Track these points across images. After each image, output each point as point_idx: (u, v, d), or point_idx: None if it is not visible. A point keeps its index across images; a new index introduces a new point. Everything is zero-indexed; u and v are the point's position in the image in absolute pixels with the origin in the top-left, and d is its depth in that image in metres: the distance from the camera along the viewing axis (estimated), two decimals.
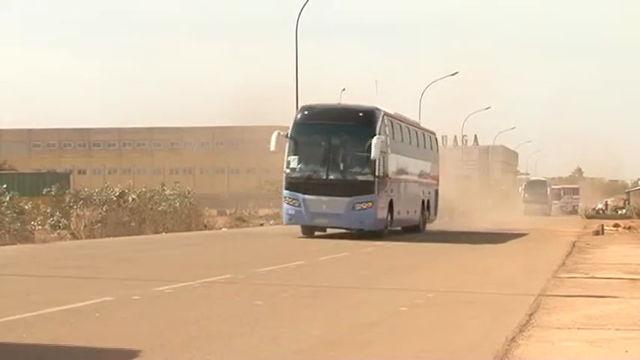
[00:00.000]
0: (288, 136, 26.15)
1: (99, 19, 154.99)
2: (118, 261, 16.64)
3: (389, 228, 26.62)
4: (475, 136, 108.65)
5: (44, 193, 30.10)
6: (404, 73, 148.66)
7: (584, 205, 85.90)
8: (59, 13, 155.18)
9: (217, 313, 9.79)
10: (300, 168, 25.71)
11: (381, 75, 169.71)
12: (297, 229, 26.25)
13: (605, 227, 34.21)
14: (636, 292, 12.37)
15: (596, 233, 31.68)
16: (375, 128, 25.44)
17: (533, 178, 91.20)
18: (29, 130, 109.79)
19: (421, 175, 31.63)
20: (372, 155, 24.72)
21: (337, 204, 25.02)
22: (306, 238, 25.41)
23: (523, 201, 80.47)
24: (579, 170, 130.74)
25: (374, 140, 24.82)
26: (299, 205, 25.25)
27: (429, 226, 32.42)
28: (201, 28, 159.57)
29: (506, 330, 8.72)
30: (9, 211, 25.19)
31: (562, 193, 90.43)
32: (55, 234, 26.72)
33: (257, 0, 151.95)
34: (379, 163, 25.32)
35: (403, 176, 28.74)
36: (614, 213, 70.28)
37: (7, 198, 25.79)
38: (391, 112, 28.35)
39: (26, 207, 26.90)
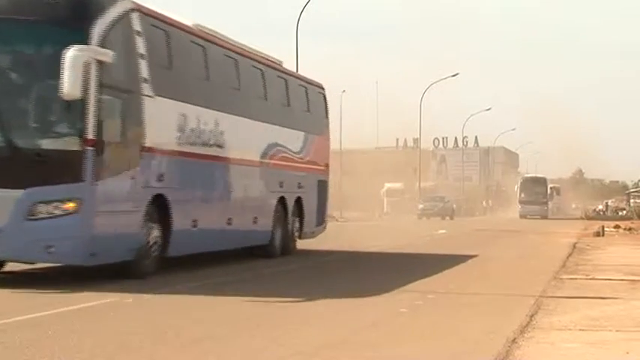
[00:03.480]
0: None
1: None
2: None
3: (155, 254, 13.44)
4: (476, 137, 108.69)
5: None
6: (404, 74, 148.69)
7: (564, 206, 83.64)
8: None
9: None
10: None
11: (381, 75, 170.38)
12: None
13: (606, 228, 34.18)
14: (637, 294, 12.37)
15: (597, 234, 31.65)
16: (90, 30, 12.09)
17: (530, 175, 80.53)
18: None
19: (280, 153, 18.57)
20: (67, 91, 11.55)
21: None
22: None
23: (519, 201, 70.93)
24: (580, 171, 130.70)
25: (76, 53, 11.63)
26: None
27: (309, 243, 20.45)
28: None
29: (507, 331, 8.72)
30: None
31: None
32: None
33: (257, 0, 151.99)
34: (101, 109, 11.99)
35: (211, 150, 15.47)
36: (614, 214, 70.28)
37: None
38: (163, 13, 14.44)
39: None
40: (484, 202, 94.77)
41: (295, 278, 14.74)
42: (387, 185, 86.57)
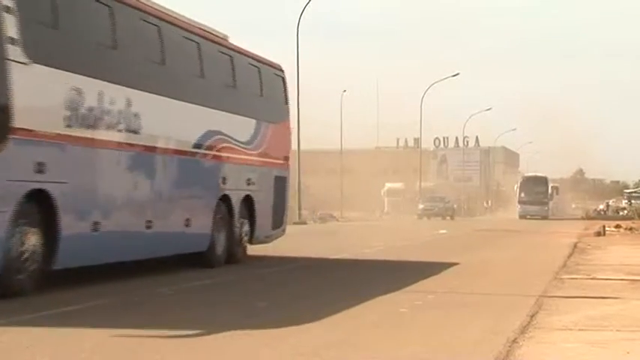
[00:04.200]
0: None
1: None
2: None
3: (34, 267, 10.81)
4: (476, 137, 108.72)
5: None
6: (404, 74, 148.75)
7: (564, 206, 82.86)
8: None
9: None
10: None
11: (382, 75, 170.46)
12: None
13: (607, 228, 34.18)
14: (637, 293, 12.36)
15: (598, 234, 31.64)
16: None
17: (530, 174, 77.25)
18: None
19: (222, 143, 15.93)
20: None
21: None
22: None
23: (518, 201, 68.49)
24: (581, 171, 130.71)
25: None
26: None
27: (262, 249, 18.00)
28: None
29: (508, 331, 8.71)
30: None
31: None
32: None
33: (257, 0, 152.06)
34: None
35: (121, 135, 12.88)
36: (615, 214, 70.27)
37: None
38: None
39: None
40: (484, 203, 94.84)
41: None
42: (388, 185, 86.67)
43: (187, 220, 14.55)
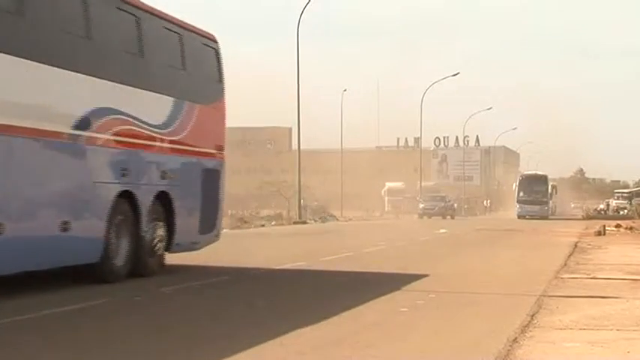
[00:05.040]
0: None
1: None
2: None
3: None
4: (477, 136, 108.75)
5: None
6: (405, 73, 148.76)
7: (563, 205, 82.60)
8: None
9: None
10: None
11: (382, 74, 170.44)
12: None
13: (607, 227, 34.17)
14: (638, 293, 12.36)
15: (598, 234, 31.62)
16: None
17: (529, 172, 73.09)
18: None
19: (122, 125, 12.81)
20: None
21: None
22: None
23: (517, 201, 64.53)
24: (581, 171, 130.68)
25: None
26: None
27: (189, 256, 15.23)
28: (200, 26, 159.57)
29: (508, 330, 8.72)
30: None
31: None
32: None
33: (258, 0, 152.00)
34: None
35: None
36: (615, 213, 70.26)
37: None
38: None
39: None
40: (485, 202, 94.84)
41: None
42: (388, 184, 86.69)
43: (64, 223, 11.33)
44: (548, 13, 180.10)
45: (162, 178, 13.88)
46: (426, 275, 14.74)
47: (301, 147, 47.37)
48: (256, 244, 18.25)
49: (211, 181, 15.44)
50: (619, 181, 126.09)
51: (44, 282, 11.94)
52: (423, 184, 78.62)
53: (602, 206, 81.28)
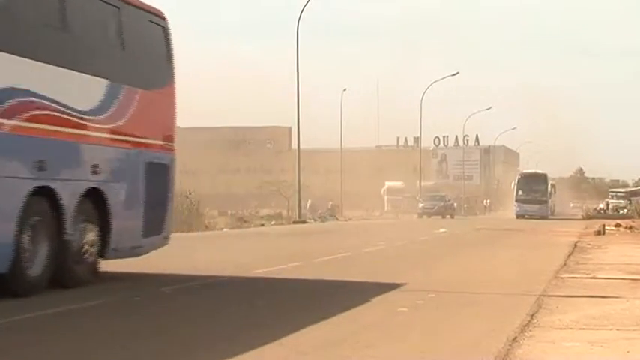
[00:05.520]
0: None
1: None
2: None
3: None
4: (477, 136, 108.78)
5: None
6: (405, 73, 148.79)
7: (561, 205, 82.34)
8: None
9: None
10: None
11: (381, 75, 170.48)
12: None
13: (607, 227, 34.17)
14: (638, 292, 12.36)
15: (598, 233, 31.62)
16: None
17: (529, 171, 71.62)
18: None
19: (36, 109, 10.87)
20: None
21: None
22: None
23: (515, 200, 62.65)
24: (580, 170, 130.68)
25: None
26: None
27: (129, 263, 13.20)
28: (200, 26, 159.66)
29: (508, 330, 8.72)
30: None
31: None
32: None
33: (258, 0, 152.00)
34: None
35: None
36: (615, 213, 70.26)
37: None
38: None
39: None
40: (484, 202, 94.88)
41: None
42: (388, 184, 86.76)
43: None
44: (548, 13, 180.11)
45: (94, 172, 11.90)
46: (425, 275, 14.74)
47: (301, 147, 47.40)
48: (254, 244, 18.27)
49: (158, 176, 13.46)
50: (618, 181, 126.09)
51: None
52: (422, 183, 78.67)
53: (601, 206, 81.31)
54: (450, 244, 26.16)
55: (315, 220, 49.88)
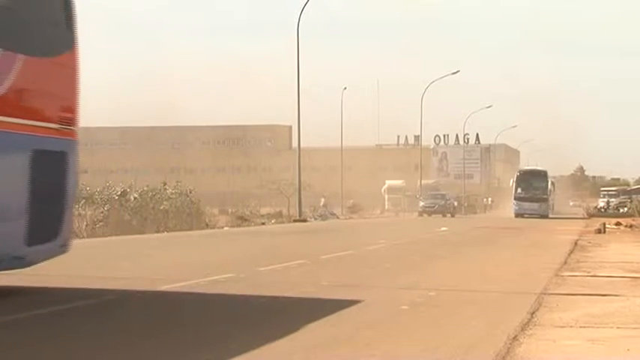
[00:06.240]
0: None
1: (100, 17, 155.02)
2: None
3: None
4: (477, 134, 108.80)
5: None
6: (405, 72, 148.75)
7: (561, 203, 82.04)
8: None
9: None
10: None
11: (382, 73, 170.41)
12: None
13: (607, 225, 34.18)
14: (638, 291, 12.35)
15: (598, 231, 31.63)
16: None
17: (528, 168, 69.51)
18: None
19: None
20: None
21: None
22: None
23: (514, 198, 60.29)
24: (581, 169, 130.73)
25: None
26: None
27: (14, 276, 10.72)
28: (200, 25, 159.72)
29: (508, 328, 8.71)
30: None
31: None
32: None
33: (258, 0, 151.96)
34: None
35: None
36: (615, 211, 70.30)
37: None
38: None
39: None
40: (485, 200, 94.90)
41: None
42: (388, 182, 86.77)
43: None
44: (548, 13, 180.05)
45: None
46: (425, 273, 14.72)
47: (301, 145, 47.38)
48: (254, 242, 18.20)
49: (51, 168, 10.22)
50: (619, 179, 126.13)
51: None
52: (423, 181, 78.68)
53: (602, 204, 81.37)
54: (451, 242, 26.14)
55: (315, 219, 49.87)
